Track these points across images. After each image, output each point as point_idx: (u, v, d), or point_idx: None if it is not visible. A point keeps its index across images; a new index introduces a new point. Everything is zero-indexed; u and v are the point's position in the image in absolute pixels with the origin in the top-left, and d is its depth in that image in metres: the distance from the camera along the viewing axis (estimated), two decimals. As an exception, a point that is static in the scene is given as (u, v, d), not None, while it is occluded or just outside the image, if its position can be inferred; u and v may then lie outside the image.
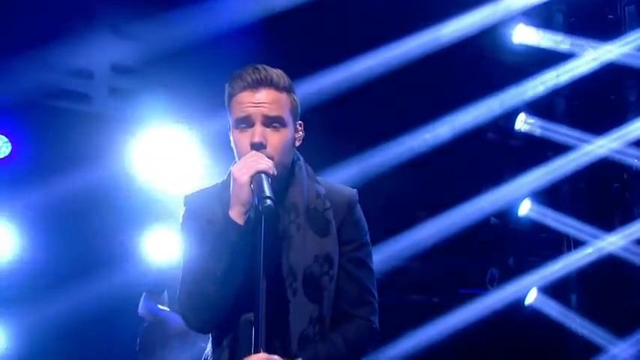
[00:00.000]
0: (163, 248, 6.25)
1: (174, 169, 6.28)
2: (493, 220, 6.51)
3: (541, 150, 6.58)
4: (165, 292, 5.64)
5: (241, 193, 2.20)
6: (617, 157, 6.28)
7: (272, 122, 2.31)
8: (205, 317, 2.28)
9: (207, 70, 6.17)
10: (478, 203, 6.34)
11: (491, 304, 6.34)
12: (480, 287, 6.61)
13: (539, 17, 6.43)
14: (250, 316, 2.20)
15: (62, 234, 6.16)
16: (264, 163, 2.21)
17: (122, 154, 6.18)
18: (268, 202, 2.11)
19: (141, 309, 5.60)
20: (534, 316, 6.38)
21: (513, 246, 6.74)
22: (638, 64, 6.17)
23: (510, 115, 6.54)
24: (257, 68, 2.34)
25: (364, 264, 2.42)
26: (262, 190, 2.14)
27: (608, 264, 6.17)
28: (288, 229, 2.33)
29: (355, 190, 2.48)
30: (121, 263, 6.14)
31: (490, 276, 6.56)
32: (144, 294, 5.63)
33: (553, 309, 6.41)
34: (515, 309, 6.35)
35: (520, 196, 6.55)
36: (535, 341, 6.41)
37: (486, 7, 6.05)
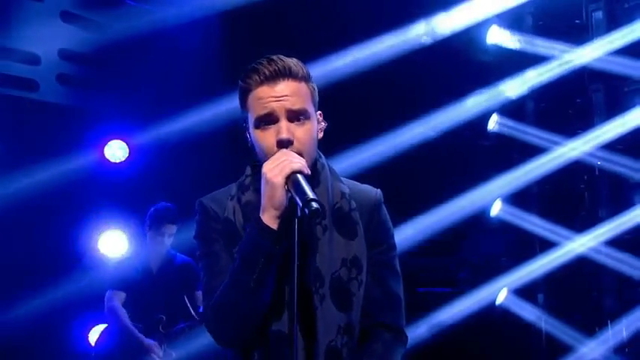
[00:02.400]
0: (121, 246, 6.15)
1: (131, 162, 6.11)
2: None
3: (511, 151, 6.64)
4: (124, 294, 5.50)
5: (275, 195, 2.04)
6: (583, 159, 6.37)
7: (297, 116, 2.15)
8: (237, 331, 2.12)
9: (164, 61, 6.05)
10: (450, 204, 6.37)
11: (462, 304, 6.37)
12: (449, 286, 6.63)
13: (511, 19, 6.49)
14: (281, 326, 2.10)
15: (16, 231, 5.88)
16: (297, 161, 2.05)
17: (77, 146, 6.00)
18: (314, 204, 1.93)
19: (109, 311, 5.45)
20: (504, 315, 6.42)
21: (484, 246, 6.78)
22: (603, 68, 6.28)
23: (483, 116, 6.58)
24: (272, 59, 2.17)
25: (391, 267, 2.29)
26: (304, 192, 1.98)
27: (575, 264, 6.24)
28: (313, 231, 2.18)
29: (380, 190, 2.35)
30: (77, 263, 5.98)
31: (460, 276, 6.60)
32: (109, 292, 5.49)
33: (522, 308, 6.46)
34: (486, 309, 6.39)
35: (492, 197, 6.59)
36: (504, 341, 6.45)
37: (461, 7, 6.09)
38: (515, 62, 6.47)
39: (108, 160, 6.31)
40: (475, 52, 6.40)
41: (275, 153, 2.10)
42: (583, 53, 6.34)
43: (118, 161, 6.33)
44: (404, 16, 6.06)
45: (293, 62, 2.18)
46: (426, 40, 6.02)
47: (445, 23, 6.17)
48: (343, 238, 2.20)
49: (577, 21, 6.43)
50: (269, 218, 2.05)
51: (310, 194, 1.96)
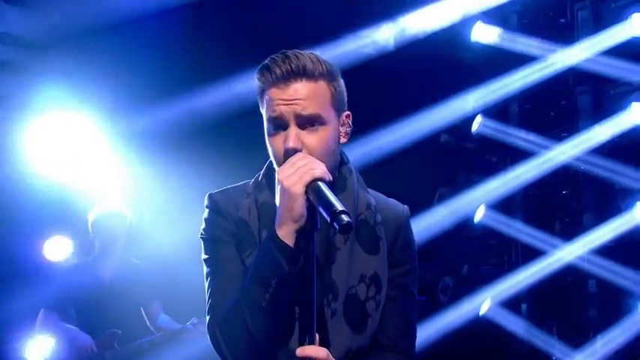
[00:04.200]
0: (66, 255, 5.74)
1: (77, 163, 5.68)
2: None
3: (495, 153, 6.44)
4: (73, 310, 5.10)
5: (294, 206, 1.85)
6: (568, 163, 6.19)
7: (308, 122, 1.96)
8: (247, 352, 1.94)
9: (122, 53, 5.70)
10: (432, 209, 6.14)
11: (445, 314, 6.12)
12: (429, 295, 6.41)
13: (496, 17, 6.30)
14: (292, 343, 1.93)
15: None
16: (318, 167, 1.86)
17: (13, 142, 5.55)
18: (345, 217, 1.75)
19: (41, 326, 5.04)
20: (487, 325, 6.20)
21: (467, 254, 6.57)
22: (589, 70, 6.09)
23: (468, 117, 6.36)
24: (287, 56, 1.97)
25: (410, 292, 2.13)
26: (330, 203, 1.79)
27: (560, 273, 6.05)
28: (333, 240, 2.00)
29: (407, 206, 2.19)
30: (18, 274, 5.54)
31: (443, 284, 6.36)
32: (42, 311, 5.07)
33: (506, 319, 6.25)
34: (469, 318, 6.15)
35: (476, 202, 6.37)
36: (486, 352, 6.26)
37: (445, 3, 5.87)
38: (500, 61, 6.26)
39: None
40: (458, 50, 6.19)
41: (283, 162, 1.93)
42: (568, 53, 6.16)
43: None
44: (381, 12, 5.83)
45: (310, 59, 1.98)
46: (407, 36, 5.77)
47: (425, 20, 5.95)
48: (365, 253, 2.03)
49: (562, 20, 6.24)
50: (286, 233, 1.87)
51: (338, 205, 1.78)
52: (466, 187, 6.29)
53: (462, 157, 6.58)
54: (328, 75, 2.01)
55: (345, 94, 2.08)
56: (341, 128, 2.05)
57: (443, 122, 6.20)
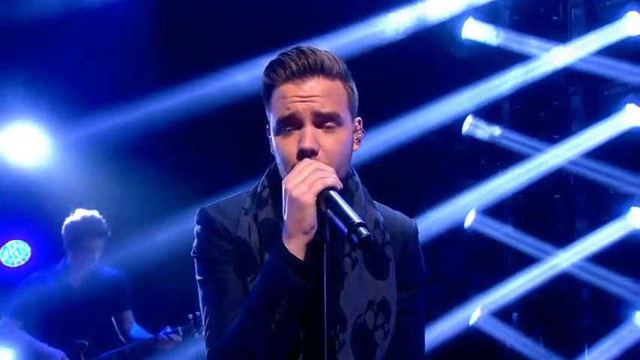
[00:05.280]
0: (24, 260, 5.47)
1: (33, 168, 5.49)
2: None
3: (486, 155, 6.25)
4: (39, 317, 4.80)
5: (305, 218, 1.70)
6: (560, 167, 6.00)
7: (326, 121, 1.81)
8: None
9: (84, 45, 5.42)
10: (420, 213, 5.92)
11: (435, 324, 5.91)
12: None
13: (488, 13, 6.11)
14: None
15: None
16: (329, 175, 1.72)
17: None
18: (364, 231, 1.61)
19: (6, 339, 4.77)
20: (477, 335, 5.99)
21: (457, 260, 6.36)
22: (583, 69, 5.91)
23: (458, 118, 6.16)
24: (303, 51, 1.83)
25: (420, 316, 2.00)
26: (347, 215, 1.64)
27: (552, 280, 5.85)
28: (341, 263, 1.84)
29: (414, 220, 2.05)
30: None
31: (432, 293, 6.14)
32: (3, 319, 4.80)
33: (496, 328, 6.04)
34: (460, 328, 5.93)
35: (466, 207, 6.15)
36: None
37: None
38: (491, 59, 6.06)
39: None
40: (449, 47, 5.98)
41: (295, 165, 1.78)
42: (561, 52, 5.96)
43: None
44: (369, 8, 5.60)
45: (328, 56, 1.86)
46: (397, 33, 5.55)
47: (416, 15, 5.74)
48: (373, 277, 1.89)
49: (555, 17, 6.05)
50: (296, 247, 1.73)
51: (355, 217, 1.65)
52: (456, 191, 6.08)
53: (452, 159, 6.39)
54: (344, 75, 1.88)
55: (357, 98, 1.94)
56: (354, 134, 1.91)
57: (432, 123, 5.98)
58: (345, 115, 1.86)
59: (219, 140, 5.74)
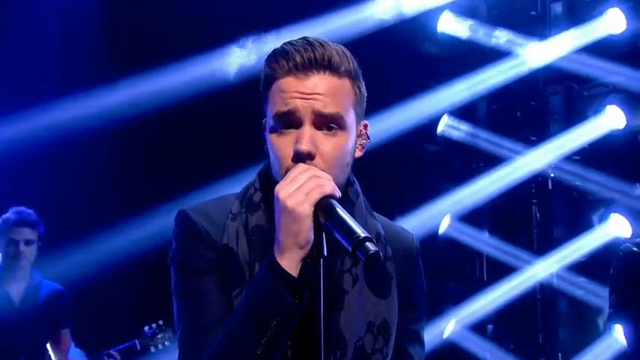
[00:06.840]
0: None
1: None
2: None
3: (462, 157, 6.01)
4: None
5: (301, 230, 1.56)
6: (537, 171, 5.76)
7: (326, 122, 1.66)
8: None
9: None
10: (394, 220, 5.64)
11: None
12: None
13: (465, 7, 5.86)
14: None
15: None
16: (326, 182, 1.58)
17: None
18: (371, 247, 1.49)
19: None
20: (452, 348, 5.74)
21: (430, 268, 6.08)
22: (562, 68, 5.68)
23: (433, 119, 5.91)
24: (310, 42, 1.68)
25: (420, 340, 1.86)
26: (350, 228, 1.51)
27: (529, 290, 5.63)
28: (340, 280, 1.70)
29: (416, 235, 1.89)
30: None
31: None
32: None
33: (470, 341, 5.79)
34: (433, 341, 5.65)
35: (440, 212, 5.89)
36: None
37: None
38: (467, 55, 5.82)
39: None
40: (423, 42, 5.70)
41: (290, 168, 1.63)
42: (539, 49, 5.72)
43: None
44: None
45: (338, 51, 1.70)
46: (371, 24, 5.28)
47: (388, 7, 5.45)
48: (374, 296, 1.74)
49: (533, 12, 5.81)
50: (290, 262, 1.58)
51: (360, 231, 1.52)
52: (429, 195, 5.81)
53: (426, 161, 6.13)
54: (354, 73, 1.72)
55: (365, 100, 1.76)
56: (358, 140, 1.75)
57: (405, 123, 5.68)
58: (350, 117, 1.70)
59: (168, 139, 5.46)
